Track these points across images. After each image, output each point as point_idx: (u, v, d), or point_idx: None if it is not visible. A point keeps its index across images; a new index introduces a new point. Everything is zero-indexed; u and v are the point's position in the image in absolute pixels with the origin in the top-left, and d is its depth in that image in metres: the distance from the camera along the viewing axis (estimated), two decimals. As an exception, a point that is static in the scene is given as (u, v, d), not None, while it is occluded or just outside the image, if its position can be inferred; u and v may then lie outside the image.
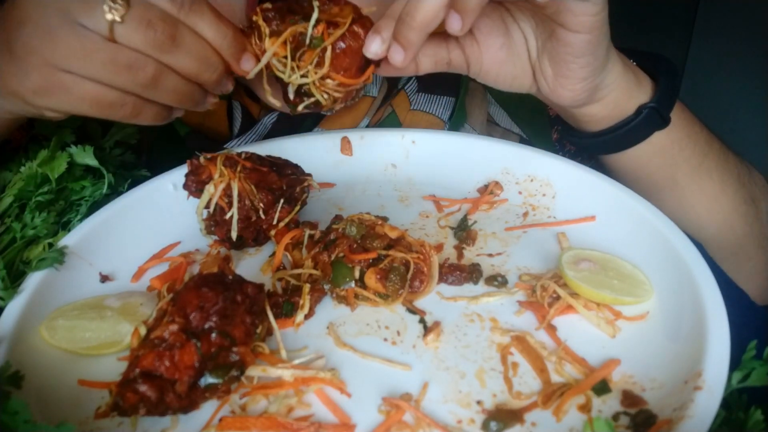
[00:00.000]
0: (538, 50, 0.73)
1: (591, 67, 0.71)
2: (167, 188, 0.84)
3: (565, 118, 0.86)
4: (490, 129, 1.06)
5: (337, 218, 0.81)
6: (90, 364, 0.63)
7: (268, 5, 0.67)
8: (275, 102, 0.71)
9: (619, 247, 0.72)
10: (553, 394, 0.57)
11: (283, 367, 0.60)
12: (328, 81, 0.67)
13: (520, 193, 0.86)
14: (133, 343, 0.59)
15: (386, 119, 1.00)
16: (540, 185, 0.85)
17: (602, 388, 0.57)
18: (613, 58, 0.74)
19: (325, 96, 0.69)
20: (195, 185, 0.74)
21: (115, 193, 0.84)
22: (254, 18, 0.66)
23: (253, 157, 0.76)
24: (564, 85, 0.73)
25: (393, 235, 0.71)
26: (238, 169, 0.74)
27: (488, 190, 0.86)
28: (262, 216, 0.75)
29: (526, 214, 0.83)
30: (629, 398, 0.57)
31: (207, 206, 0.74)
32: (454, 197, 0.87)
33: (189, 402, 0.55)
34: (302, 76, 0.66)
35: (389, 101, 1.00)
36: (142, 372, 0.53)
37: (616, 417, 0.55)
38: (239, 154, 0.75)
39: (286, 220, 0.77)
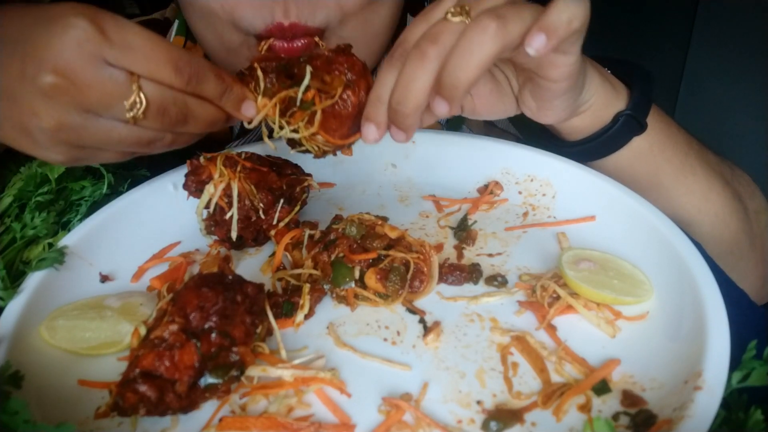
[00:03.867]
0: (519, 87, 0.76)
1: (571, 99, 0.74)
2: (167, 188, 0.84)
3: (549, 128, 0.88)
4: (488, 130, 1.07)
5: (337, 218, 0.81)
6: (90, 364, 0.63)
7: (267, 60, 0.69)
8: (272, 145, 0.74)
9: (619, 247, 0.73)
10: (553, 394, 0.57)
11: (283, 367, 0.60)
12: (318, 137, 0.69)
13: (520, 193, 0.86)
14: (133, 343, 0.59)
15: None
16: (540, 185, 0.85)
17: (602, 388, 0.57)
18: (590, 74, 0.76)
19: (316, 148, 0.71)
20: (195, 185, 0.74)
21: (115, 193, 0.84)
22: (255, 65, 0.68)
23: (253, 157, 0.77)
24: (547, 114, 0.77)
25: (393, 235, 0.71)
26: (238, 169, 0.74)
27: (488, 190, 0.86)
28: (262, 216, 0.75)
29: (526, 214, 0.83)
30: (629, 398, 0.57)
31: (207, 206, 0.74)
32: (454, 197, 0.87)
33: (189, 402, 0.55)
34: (293, 131, 0.68)
35: None
36: (142, 372, 0.53)
37: (616, 417, 0.55)
38: (239, 154, 0.76)
39: (286, 220, 0.77)
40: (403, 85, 0.63)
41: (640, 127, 0.81)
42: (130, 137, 0.63)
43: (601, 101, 0.79)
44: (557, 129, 0.84)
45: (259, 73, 0.67)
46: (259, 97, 0.67)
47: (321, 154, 0.72)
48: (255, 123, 0.68)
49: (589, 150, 0.83)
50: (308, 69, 0.67)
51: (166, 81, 0.60)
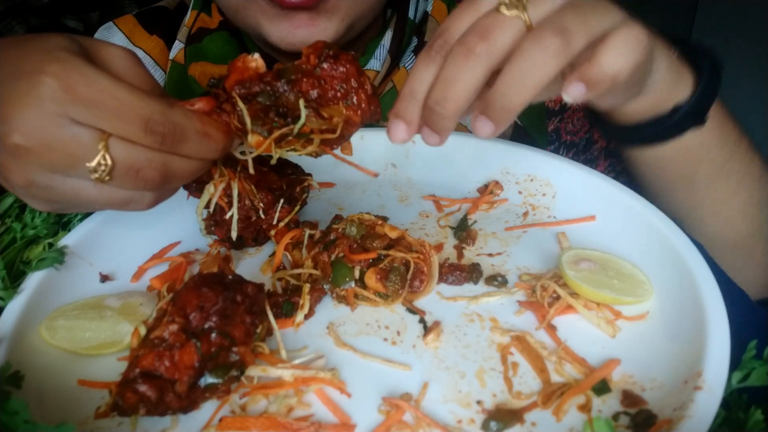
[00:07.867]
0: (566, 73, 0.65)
1: (634, 89, 0.67)
2: (167, 188, 0.84)
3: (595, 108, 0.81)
4: None
5: (337, 218, 0.81)
6: (90, 364, 0.63)
7: (250, 91, 0.60)
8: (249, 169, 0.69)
9: (619, 247, 0.72)
10: (553, 394, 0.57)
11: (283, 367, 0.60)
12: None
13: (520, 192, 0.86)
14: (133, 343, 0.59)
15: (387, 94, 0.99)
16: (540, 185, 0.85)
17: (602, 388, 0.57)
18: (658, 57, 0.66)
19: (314, 153, 0.66)
20: (195, 185, 0.74)
21: (115, 193, 0.84)
22: (233, 94, 0.60)
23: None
24: (603, 101, 0.71)
25: (393, 235, 0.71)
26: (238, 168, 0.74)
27: (488, 190, 0.86)
28: (262, 216, 0.75)
29: (526, 214, 0.83)
30: (629, 398, 0.57)
31: (207, 206, 0.74)
32: (454, 197, 0.87)
33: (189, 402, 0.55)
34: (289, 150, 0.64)
35: (390, 77, 1.00)
36: (142, 372, 0.53)
37: (616, 417, 0.55)
38: (239, 154, 0.75)
39: (286, 220, 0.77)
40: (444, 83, 0.55)
41: (700, 122, 0.73)
42: (101, 198, 0.58)
43: (663, 89, 0.70)
44: (608, 111, 0.76)
45: (241, 105, 0.59)
46: (249, 135, 0.61)
47: (316, 155, 0.66)
48: (250, 158, 0.65)
49: (640, 136, 0.76)
50: (302, 104, 0.60)
51: (137, 140, 0.55)
